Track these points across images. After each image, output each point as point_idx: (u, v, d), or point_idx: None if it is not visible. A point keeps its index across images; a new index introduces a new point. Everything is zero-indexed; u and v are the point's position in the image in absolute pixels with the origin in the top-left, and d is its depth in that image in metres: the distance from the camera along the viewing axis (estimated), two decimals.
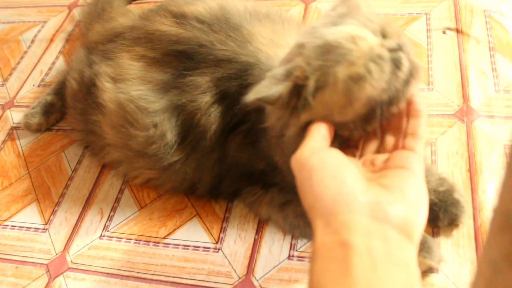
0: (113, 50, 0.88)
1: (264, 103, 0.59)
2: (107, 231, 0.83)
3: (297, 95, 0.56)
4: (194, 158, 0.76)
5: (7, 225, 0.88)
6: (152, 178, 0.83)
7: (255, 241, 0.76)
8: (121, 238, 0.81)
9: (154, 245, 0.79)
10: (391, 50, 0.53)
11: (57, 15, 1.29)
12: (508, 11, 1.00)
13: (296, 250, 0.74)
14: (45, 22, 1.28)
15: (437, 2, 1.03)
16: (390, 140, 0.55)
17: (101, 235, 0.82)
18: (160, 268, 0.76)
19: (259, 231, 0.77)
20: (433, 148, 0.81)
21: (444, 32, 0.98)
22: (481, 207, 0.73)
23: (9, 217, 0.89)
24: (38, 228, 0.86)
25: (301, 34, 0.61)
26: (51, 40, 1.22)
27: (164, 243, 0.79)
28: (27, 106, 1.06)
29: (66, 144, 0.98)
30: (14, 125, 1.05)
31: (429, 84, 0.89)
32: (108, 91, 0.82)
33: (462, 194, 0.71)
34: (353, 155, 0.56)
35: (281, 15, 0.89)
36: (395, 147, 0.53)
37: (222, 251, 0.76)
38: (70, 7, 1.31)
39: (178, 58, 0.79)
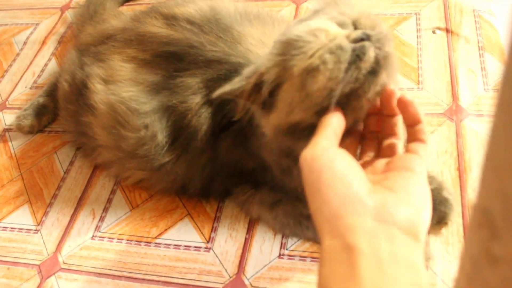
0: (105, 52, 0.88)
1: (228, 96, 0.61)
2: (99, 231, 0.83)
3: (258, 91, 0.58)
4: (185, 159, 0.77)
5: None
6: (144, 179, 0.83)
7: (246, 240, 0.77)
8: (112, 238, 0.81)
9: (145, 245, 0.79)
10: (356, 41, 0.53)
11: (49, 18, 1.29)
12: (497, 11, 1.00)
13: (287, 249, 0.74)
14: (37, 24, 1.29)
15: (427, 2, 1.04)
16: (386, 145, 0.54)
17: (93, 236, 0.83)
18: (151, 267, 0.76)
19: (249, 230, 0.78)
20: None
21: (434, 32, 0.98)
22: (470, 205, 0.74)
23: (1, 219, 0.89)
24: (30, 229, 0.86)
25: (279, 34, 0.61)
26: (44, 42, 1.23)
27: (156, 243, 0.79)
28: (19, 108, 1.07)
29: (58, 146, 0.98)
30: (6, 127, 1.06)
31: (418, 84, 0.90)
32: (99, 93, 0.82)
33: (451, 192, 0.72)
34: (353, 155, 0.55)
35: (272, 16, 0.89)
36: (393, 151, 0.53)
37: (213, 250, 0.76)
38: (63, 9, 1.31)
39: (168, 59, 0.79)
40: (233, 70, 0.73)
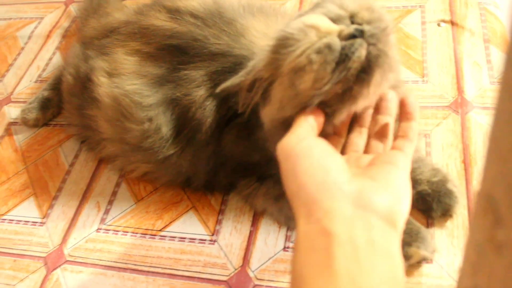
0: (109, 45, 0.88)
1: (231, 90, 0.64)
2: (104, 224, 0.83)
3: (255, 86, 0.60)
4: (190, 151, 0.77)
5: (5, 219, 0.89)
6: (149, 172, 0.83)
7: (250, 233, 0.77)
8: (118, 231, 0.82)
9: (150, 238, 0.79)
10: (348, 38, 0.52)
11: (53, 11, 1.29)
12: (502, 3, 1.00)
13: (292, 242, 0.75)
14: (41, 18, 1.29)
15: None
16: (376, 144, 0.54)
17: (98, 228, 0.83)
18: (156, 260, 0.77)
19: (254, 223, 0.78)
20: (427, 140, 0.81)
21: (438, 25, 0.98)
22: (475, 197, 0.74)
23: (7, 211, 0.90)
24: (36, 222, 0.87)
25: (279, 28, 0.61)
26: (48, 36, 1.23)
27: (161, 236, 0.79)
28: (24, 102, 1.07)
29: (63, 139, 0.99)
30: (11, 120, 1.06)
31: (423, 77, 0.90)
32: (103, 86, 0.82)
33: (456, 184, 0.72)
34: (337, 148, 0.56)
35: (275, 9, 0.89)
36: (382, 150, 0.53)
37: (218, 243, 0.77)
38: (67, 3, 1.31)
39: (172, 52, 0.80)
40: (237, 63, 0.73)
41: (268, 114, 0.60)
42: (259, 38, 0.76)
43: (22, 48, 1.22)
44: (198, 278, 0.73)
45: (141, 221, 0.82)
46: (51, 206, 0.88)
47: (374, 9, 0.55)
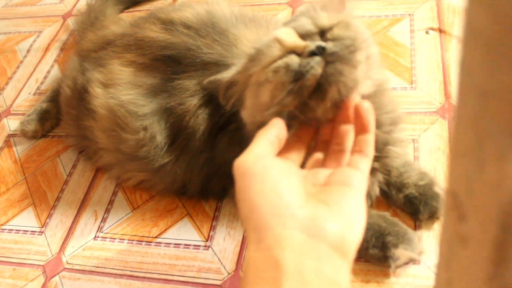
0: (105, 57, 0.91)
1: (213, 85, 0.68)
2: (101, 232, 0.85)
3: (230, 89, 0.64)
4: (184, 159, 0.79)
5: (4, 229, 0.90)
6: (144, 180, 0.85)
7: (243, 238, 0.78)
8: (114, 238, 0.83)
9: (146, 244, 0.81)
10: (309, 55, 0.53)
11: (51, 25, 1.32)
12: None
13: None
14: (40, 32, 1.32)
15: (420, 3, 1.06)
16: (333, 156, 0.52)
17: (95, 236, 0.85)
18: (152, 266, 0.78)
19: None
20: (415, 145, 0.83)
21: (427, 32, 1.00)
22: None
23: (7, 221, 0.92)
24: (35, 231, 0.89)
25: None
26: (46, 50, 1.25)
27: (156, 242, 0.81)
28: (23, 114, 1.09)
29: (61, 150, 1.01)
30: (10, 132, 1.08)
31: (412, 83, 0.92)
32: (98, 97, 0.84)
33: (442, 187, 0.73)
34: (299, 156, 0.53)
35: (266, 19, 0.91)
36: (338, 164, 0.51)
37: (212, 248, 0.78)
38: (64, 17, 1.34)
39: (166, 63, 0.82)
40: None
41: (245, 117, 0.62)
42: (251, 48, 0.78)
43: (21, 62, 1.25)
44: (193, 283, 0.75)
45: (137, 228, 0.84)
46: (49, 216, 0.90)
47: (350, 25, 0.56)
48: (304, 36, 0.56)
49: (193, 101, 0.76)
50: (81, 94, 0.90)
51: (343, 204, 0.45)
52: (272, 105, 0.54)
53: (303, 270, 0.40)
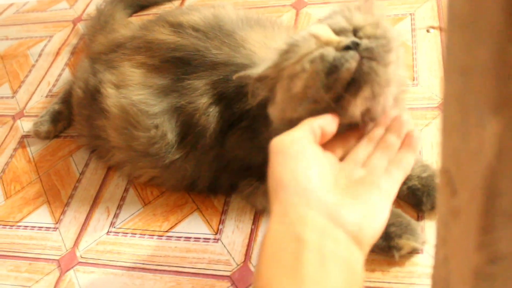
0: (116, 59, 0.94)
1: (243, 80, 0.69)
2: (114, 227, 0.88)
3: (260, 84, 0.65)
4: (194, 156, 0.81)
5: (20, 226, 0.94)
6: (155, 177, 0.88)
7: (251, 230, 0.81)
8: (126, 233, 0.86)
9: (157, 238, 0.84)
10: (343, 49, 0.55)
11: (62, 30, 1.36)
12: None
13: None
14: (51, 36, 1.35)
15: (421, 2, 1.09)
16: (374, 161, 0.54)
17: (108, 231, 0.88)
18: (163, 259, 0.81)
19: (255, 221, 0.82)
20: None
21: (428, 31, 1.03)
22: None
23: (22, 218, 0.95)
24: (49, 227, 0.92)
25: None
26: (57, 54, 1.29)
27: (167, 236, 0.84)
28: (36, 116, 1.12)
29: (74, 149, 1.04)
30: (24, 133, 1.11)
31: (414, 80, 0.94)
32: (111, 97, 0.87)
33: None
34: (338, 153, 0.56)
35: (272, 21, 0.94)
36: (376, 168, 0.53)
37: (221, 241, 0.81)
38: (75, 22, 1.37)
39: (176, 64, 0.85)
40: (239, 71, 0.77)
41: (274, 113, 0.63)
42: (258, 47, 0.81)
43: (33, 66, 1.28)
44: (203, 274, 0.78)
45: (149, 223, 0.87)
46: (63, 212, 0.93)
47: (380, 25, 0.57)
48: (338, 32, 0.58)
49: (203, 100, 0.79)
50: (93, 95, 0.93)
51: (368, 201, 0.47)
52: (305, 98, 0.55)
53: (323, 248, 0.42)
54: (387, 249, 0.70)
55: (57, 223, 0.92)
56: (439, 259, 0.42)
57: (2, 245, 0.91)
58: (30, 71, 1.27)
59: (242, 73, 0.68)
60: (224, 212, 0.85)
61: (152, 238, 0.84)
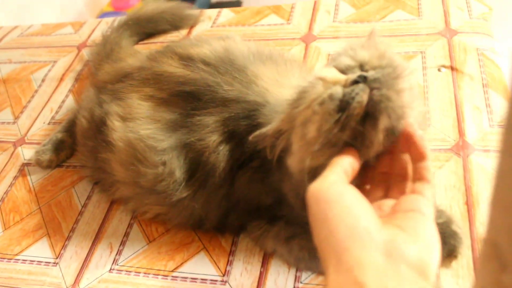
0: (123, 90, 0.92)
1: (260, 139, 0.67)
2: (117, 264, 0.85)
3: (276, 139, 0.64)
4: (202, 194, 0.79)
5: (18, 259, 0.90)
6: (161, 214, 0.86)
7: (260, 273, 0.79)
8: (130, 271, 0.83)
9: (162, 278, 0.81)
10: (351, 84, 0.54)
11: (66, 55, 1.34)
12: (499, 49, 1.04)
13: (301, 282, 0.76)
14: (55, 62, 1.33)
15: (432, 41, 1.08)
16: (395, 186, 0.54)
17: (110, 269, 0.85)
18: None
19: (264, 264, 0.80)
20: None
21: (439, 70, 1.02)
22: (479, 238, 0.76)
23: (21, 251, 0.92)
24: (49, 262, 0.88)
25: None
26: (61, 79, 1.27)
27: (173, 276, 0.81)
28: (38, 143, 1.10)
29: (76, 180, 1.01)
30: (25, 161, 1.09)
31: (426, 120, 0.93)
32: (117, 130, 0.85)
33: (460, 226, 0.74)
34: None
35: (283, 56, 0.93)
36: (402, 193, 0.53)
37: (229, 283, 0.78)
38: (79, 48, 1.36)
39: (185, 98, 0.83)
40: (251, 109, 0.76)
41: (293, 165, 0.62)
42: (271, 85, 0.80)
43: (36, 91, 1.26)
44: None
45: (153, 261, 0.84)
46: (64, 247, 0.90)
47: (385, 56, 0.57)
48: (344, 71, 0.58)
49: (213, 137, 0.77)
50: (98, 126, 0.91)
51: (418, 229, 0.46)
52: (322, 142, 0.54)
53: None
54: None
55: (57, 257, 0.89)
56: None
57: None
58: (32, 96, 1.25)
59: (257, 133, 0.66)
60: (232, 253, 0.82)
61: (157, 277, 0.82)
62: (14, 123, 1.19)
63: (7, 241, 0.94)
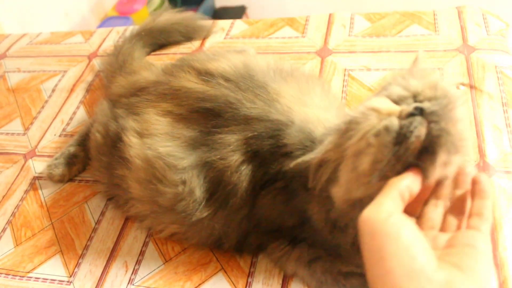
0: (138, 104, 0.90)
1: (301, 166, 0.65)
2: (133, 284, 0.83)
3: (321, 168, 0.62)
4: (223, 214, 0.77)
5: (31, 277, 0.89)
6: (178, 233, 0.84)
7: None
8: None
9: None
10: (407, 116, 0.53)
11: (77, 65, 1.33)
12: None
13: None
14: (65, 71, 1.32)
15: (450, 57, 1.07)
16: (452, 220, 0.53)
17: None
18: None
19: (284, 286, 0.78)
20: None
21: (458, 87, 1.01)
22: (502, 263, 0.75)
23: (33, 269, 0.90)
24: (63, 281, 0.87)
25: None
26: (72, 90, 1.25)
27: None
28: (48, 156, 1.09)
29: (89, 195, 1.00)
30: (36, 175, 1.07)
31: None
32: (134, 147, 0.83)
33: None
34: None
35: (304, 73, 0.92)
36: (458, 227, 0.52)
37: None
38: (90, 57, 1.34)
39: (205, 115, 0.81)
40: (276, 129, 0.74)
41: (338, 195, 0.61)
42: (294, 103, 0.79)
43: (46, 101, 1.24)
44: None
45: (170, 282, 0.82)
46: (78, 265, 0.88)
47: (438, 86, 0.55)
48: (398, 102, 0.56)
49: (235, 157, 0.76)
50: (114, 142, 0.89)
51: (476, 268, 0.45)
52: (374, 174, 0.52)
53: None
54: None
55: (71, 276, 0.87)
56: None
57: None
58: (42, 107, 1.23)
59: (300, 160, 0.65)
60: (250, 274, 0.81)
61: None
62: (24, 134, 1.17)
63: (19, 258, 0.92)
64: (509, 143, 0.90)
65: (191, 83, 0.87)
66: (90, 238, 0.92)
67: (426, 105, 0.53)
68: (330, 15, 1.27)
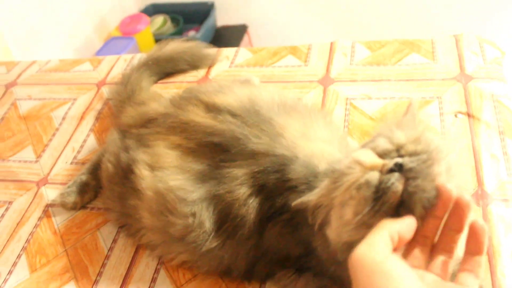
0: (148, 136, 0.94)
1: (301, 206, 0.69)
2: None
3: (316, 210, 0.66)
4: (231, 244, 0.81)
5: None
6: (188, 261, 0.87)
7: None
8: None
9: None
10: (387, 172, 0.56)
11: (86, 93, 1.37)
12: None
13: None
14: (74, 99, 1.36)
15: (447, 86, 1.11)
16: (441, 261, 0.54)
17: None
18: None
19: None
20: None
21: (456, 116, 1.04)
22: None
23: None
24: None
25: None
26: (82, 118, 1.29)
27: None
28: (61, 184, 1.12)
29: (101, 223, 1.03)
30: (49, 202, 1.11)
31: None
32: (145, 179, 0.87)
33: (482, 277, 0.76)
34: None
35: (306, 105, 0.96)
36: (444, 272, 0.53)
37: None
38: (99, 85, 1.38)
39: (214, 149, 0.85)
40: (281, 163, 0.78)
41: (331, 237, 0.65)
42: (298, 138, 0.82)
43: (57, 129, 1.28)
44: None
45: None
46: None
47: (421, 140, 0.59)
48: (382, 155, 0.60)
49: (243, 190, 0.79)
50: (125, 172, 0.92)
51: None
52: (358, 224, 0.56)
53: None
54: None
55: None
56: None
57: None
58: (54, 134, 1.27)
59: (299, 201, 0.69)
60: None
61: None
62: (36, 162, 1.21)
63: (34, 285, 0.95)
64: (506, 172, 0.93)
65: (199, 117, 0.91)
66: (103, 265, 0.96)
67: (405, 160, 0.56)
68: (331, 44, 1.31)
